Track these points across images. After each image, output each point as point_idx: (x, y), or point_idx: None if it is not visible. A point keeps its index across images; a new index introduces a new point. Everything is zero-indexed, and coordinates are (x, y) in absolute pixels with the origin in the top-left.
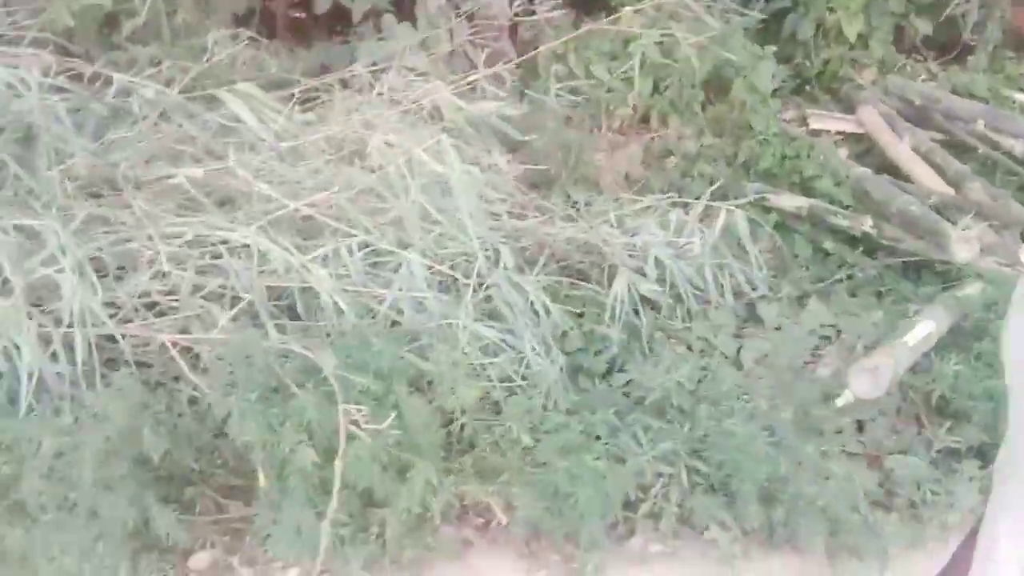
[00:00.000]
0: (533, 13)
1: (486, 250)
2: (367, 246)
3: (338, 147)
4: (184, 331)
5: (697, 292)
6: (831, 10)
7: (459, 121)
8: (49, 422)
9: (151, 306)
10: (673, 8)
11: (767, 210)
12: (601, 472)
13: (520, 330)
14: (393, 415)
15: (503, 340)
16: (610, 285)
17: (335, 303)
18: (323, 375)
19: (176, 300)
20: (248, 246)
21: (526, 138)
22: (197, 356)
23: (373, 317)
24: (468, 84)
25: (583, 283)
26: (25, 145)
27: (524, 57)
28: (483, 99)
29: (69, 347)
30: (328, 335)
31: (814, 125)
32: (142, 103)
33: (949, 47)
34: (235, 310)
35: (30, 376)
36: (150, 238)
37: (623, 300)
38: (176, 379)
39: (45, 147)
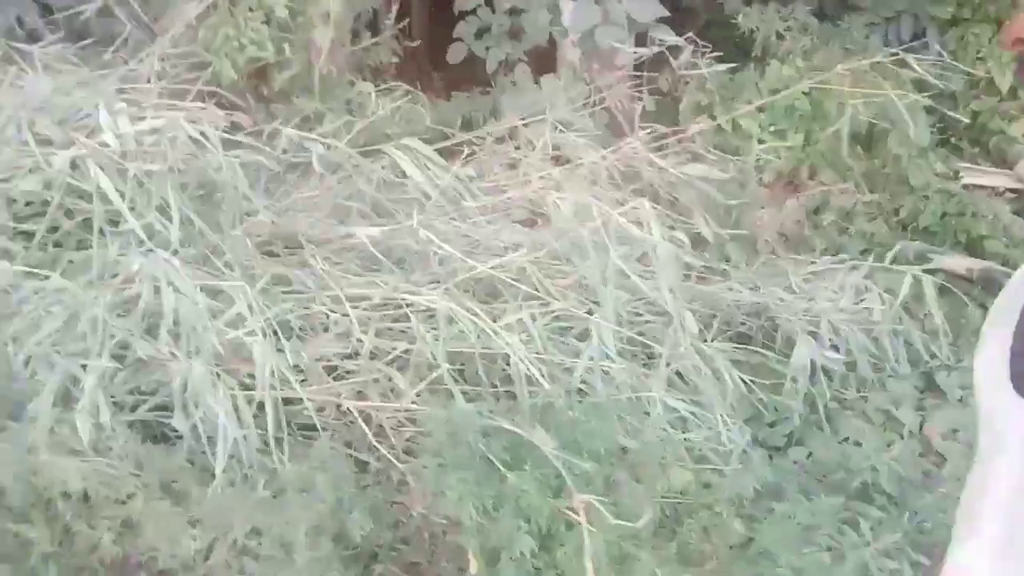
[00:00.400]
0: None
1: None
2: (550, 311)
3: (506, 205)
4: (361, 396)
5: (871, 360)
6: (980, 60)
7: (656, 182)
8: (247, 495)
9: (330, 370)
10: (823, 59)
11: (929, 272)
12: (826, 567)
13: (711, 402)
14: (611, 500)
15: (692, 413)
16: (779, 350)
17: (527, 372)
18: (525, 451)
19: (356, 364)
20: (428, 309)
21: (732, 202)
22: (368, 420)
23: (567, 389)
24: (656, 144)
25: (744, 347)
26: (205, 201)
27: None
28: (690, 161)
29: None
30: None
31: (967, 180)
32: (319, 159)
33: None
34: (428, 380)
35: (218, 443)
36: (336, 300)
37: (806, 369)
38: (348, 445)
39: (228, 204)
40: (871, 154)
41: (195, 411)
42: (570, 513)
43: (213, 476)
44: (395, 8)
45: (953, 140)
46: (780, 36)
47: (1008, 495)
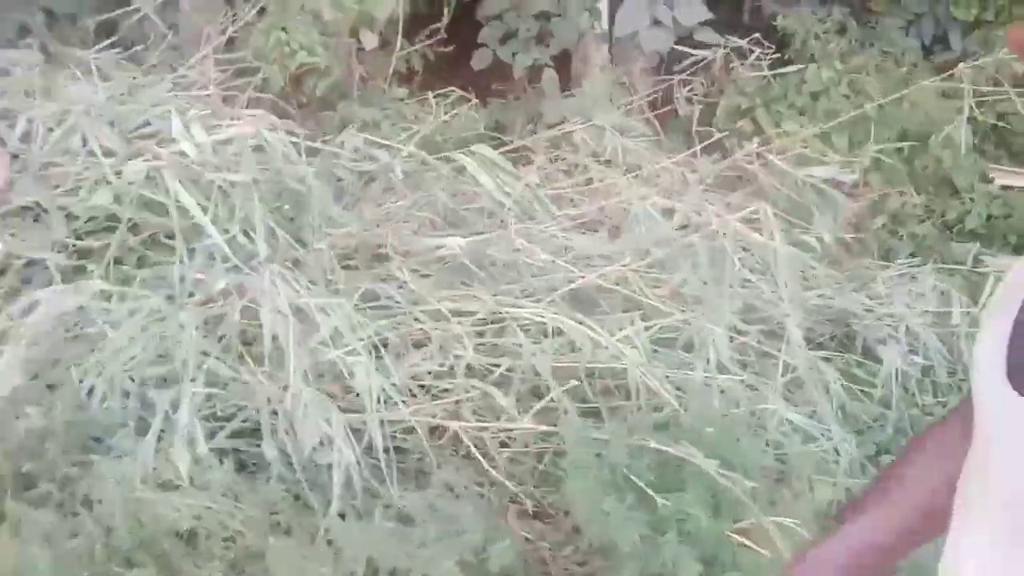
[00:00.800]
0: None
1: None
2: (664, 322)
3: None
4: (455, 415)
5: (947, 365)
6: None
7: (771, 186)
8: (368, 527)
9: (424, 388)
10: (863, 61)
11: (981, 274)
12: None
13: (825, 414)
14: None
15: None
16: (858, 355)
17: (649, 387)
18: (671, 470)
19: (452, 382)
20: (530, 322)
21: (856, 204)
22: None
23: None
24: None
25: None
26: (285, 213)
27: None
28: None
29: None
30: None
31: (1001, 181)
32: (396, 168)
33: None
34: (546, 399)
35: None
36: (433, 316)
37: (896, 377)
38: (439, 467)
39: (313, 217)
40: (917, 156)
41: (286, 437)
42: (736, 536)
43: (307, 507)
44: (448, 12)
45: (977, 143)
46: (817, 38)
47: (1000, 485)
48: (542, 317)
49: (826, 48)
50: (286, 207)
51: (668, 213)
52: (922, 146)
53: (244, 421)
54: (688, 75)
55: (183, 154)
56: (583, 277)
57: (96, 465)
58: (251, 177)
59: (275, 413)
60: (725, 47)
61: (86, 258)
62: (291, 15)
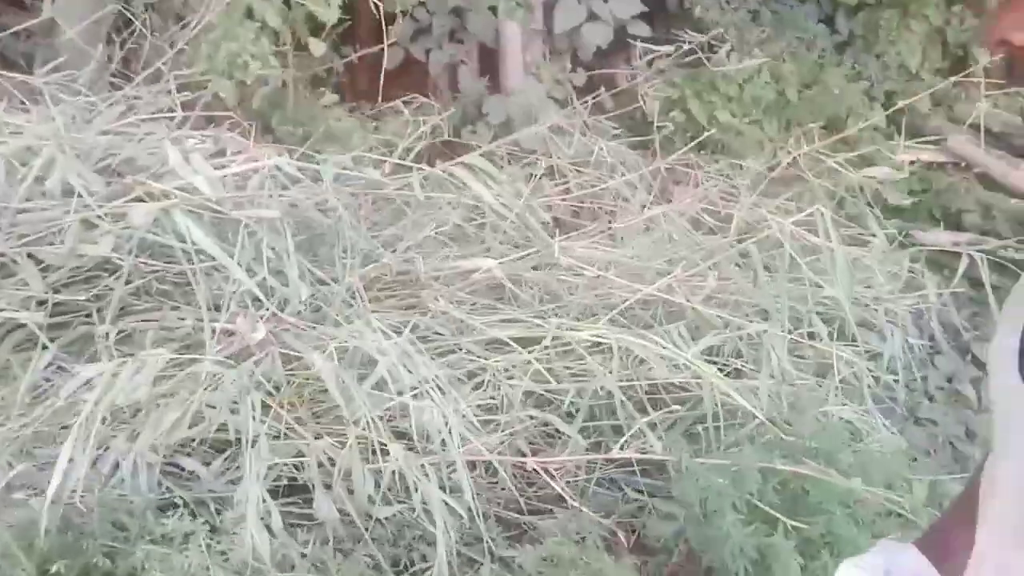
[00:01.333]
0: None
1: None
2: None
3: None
4: (514, 448)
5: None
6: (891, 43)
7: (818, 188)
8: None
9: (485, 423)
10: (779, 48)
11: (906, 247)
12: None
13: (871, 408)
14: None
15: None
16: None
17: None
18: (792, 490)
19: (511, 414)
20: (595, 344)
21: (909, 202)
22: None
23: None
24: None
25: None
26: (306, 247)
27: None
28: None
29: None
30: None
31: (901, 156)
32: (416, 186)
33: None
34: (631, 432)
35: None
36: (487, 346)
37: (899, 359)
38: (489, 502)
39: (345, 248)
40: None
41: (343, 492)
42: None
43: (379, 569)
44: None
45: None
46: (736, 27)
47: (1017, 480)
48: (605, 338)
49: (743, 36)
50: (300, 238)
51: (693, 220)
52: (840, 129)
53: (275, 480)
54: (612, 71)
55: (191, 190)
56: (640, 290)
57: (148, 555)
58: (279, 213)
59: (320, 466)
60: (689, 42)
61: (65, 314)
62: (235, 23)
